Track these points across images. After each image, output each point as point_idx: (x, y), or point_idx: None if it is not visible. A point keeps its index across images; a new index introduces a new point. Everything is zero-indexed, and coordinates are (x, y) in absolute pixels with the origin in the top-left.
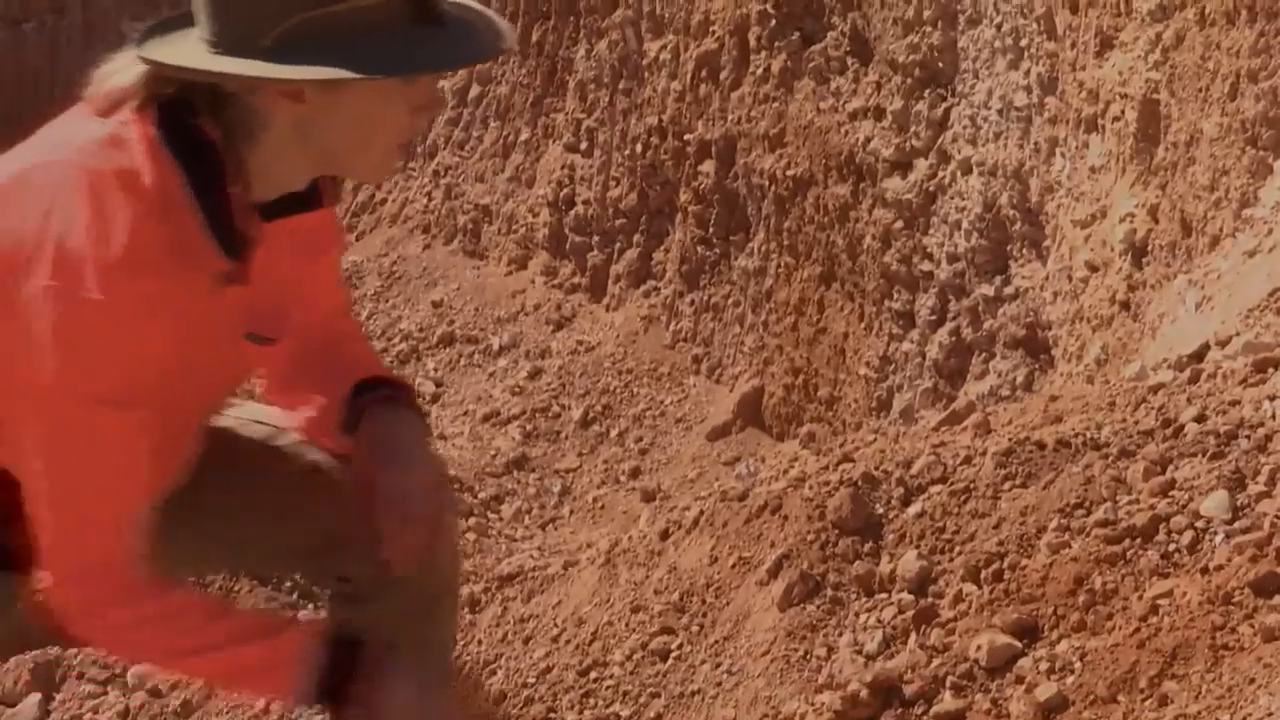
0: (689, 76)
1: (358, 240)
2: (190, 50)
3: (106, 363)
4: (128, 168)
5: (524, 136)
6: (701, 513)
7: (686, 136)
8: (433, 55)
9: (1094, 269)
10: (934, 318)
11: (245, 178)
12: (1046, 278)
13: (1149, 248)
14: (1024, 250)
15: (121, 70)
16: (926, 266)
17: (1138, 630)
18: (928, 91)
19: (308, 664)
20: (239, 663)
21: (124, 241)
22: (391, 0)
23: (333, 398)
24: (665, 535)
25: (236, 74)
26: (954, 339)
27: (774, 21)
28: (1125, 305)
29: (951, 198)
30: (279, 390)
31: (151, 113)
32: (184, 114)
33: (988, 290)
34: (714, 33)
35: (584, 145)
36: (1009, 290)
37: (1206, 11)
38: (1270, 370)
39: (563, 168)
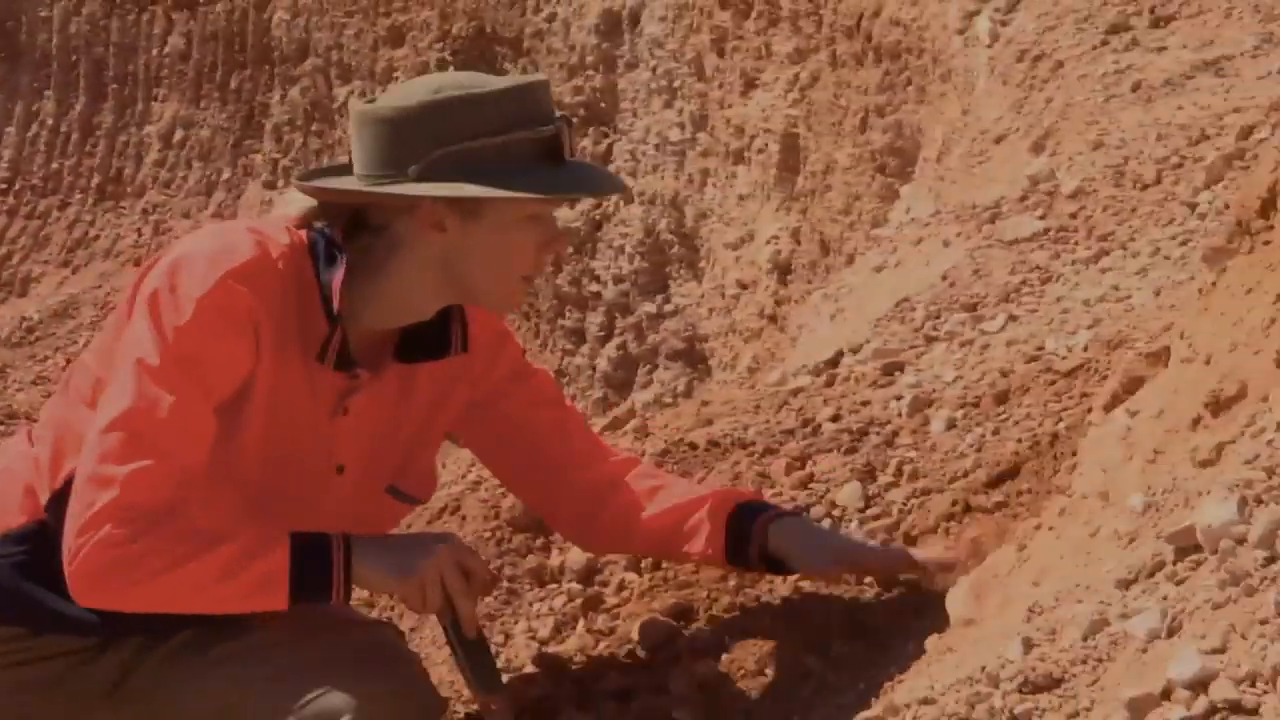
0: None
1: (74, 274)
2: (345, 182)
3: (190, 332)
4: (263, 229)
5: (225, 176)
6: None
7: None
8: (565, 183)
9: (744, 286)
10: (602, 334)
11: (373, 299)
12: (702, 295)
13: (792, 266)
14: (682, 271)
15: (284, 205)
16: (595, 288)
17: (782, 610)
18: (592, 129)
19: (286, 574)
20: (231, 591)
21: (242, 258)
22: (525, 140)
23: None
24: None
25: (388, 193)
26: (621, 353)
27: (451, 68)
28: (773, 318)
29: (616, 225)
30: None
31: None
32: (329, 232)
33: (650, 308)
34: (397, 78)
35: (281, 183)
36: (669, 308)
37: (838, 54)
38: (896, 373)
39: (262, 204)
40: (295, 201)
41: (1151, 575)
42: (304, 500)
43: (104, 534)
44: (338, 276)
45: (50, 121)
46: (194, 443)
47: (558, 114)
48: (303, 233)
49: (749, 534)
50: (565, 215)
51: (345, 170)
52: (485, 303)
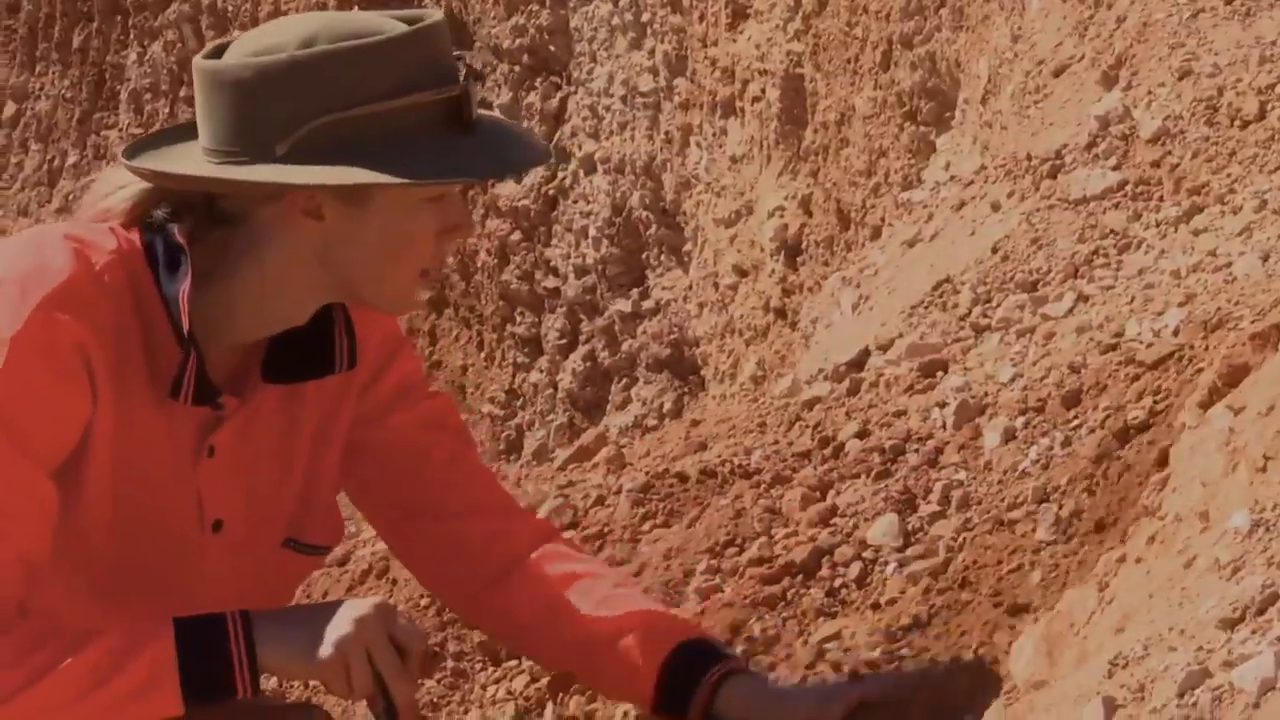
0: None
1: None
2: (194, 161)
3: (6, 383)
4: (81, 234)
5: (72, 159)
6: None
7: None
8: (473, 163)
9: (743, 273)
10: (564, 342)
11: (234, 307)
12: (690, 287)
13: (803, 244)
14: (662, 257)
15: (111, 192)
16: (552, 283)
17: (804, 680)
18: (539, 80)
19: (175, 667)
20: (106, 700)
21: (59, 277)
22: (423, 104)
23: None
24: None
25: (255, 181)
26: (589, 365)
27: (356, 6)
28: (781, 312)
29: (575, 201)
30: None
31: (136, 228)
32: (169, 230)
33: (624, 306)
34: None
35: None
36: (648, 304)
37: None
38: (938, 374)
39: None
40: (119, 188)
41: (1262, 612)
42: (175, 572)
43: None
44: (184, 288)
45: None
46: (32, 522)
47: (461, 64)
48: (133, 232)
49: (692, 685)
50: (509, 191)
51: (188, 134)
52: (374, 303)
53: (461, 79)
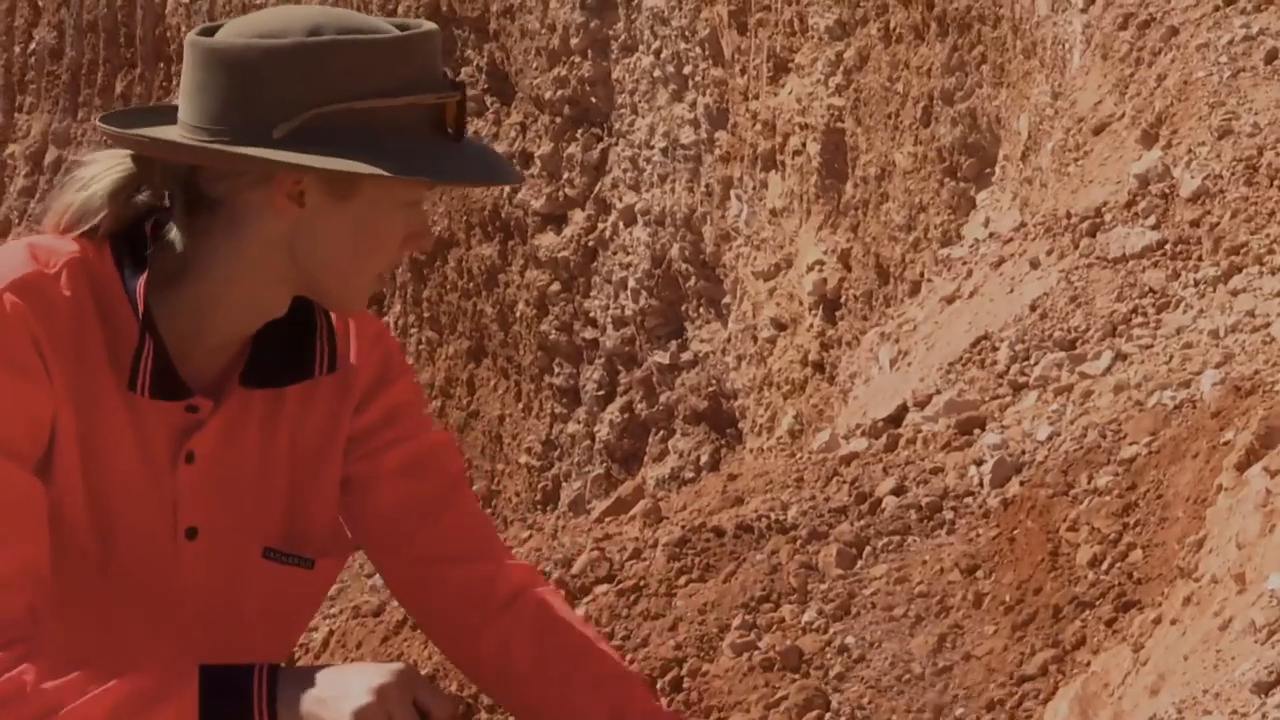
0: None
1: None
2: (176, 136)
3: None
4: (46, 244)
5: None
6: (331, 632)
7: None
8: (466, 167)
9: (781, 326)
10: (602, 393)
11: (215, 301)
12: (728, 340)
13: (842, 298)
14: (701, 309)
15: (85, 186)
16: (590, 334)
17: None
18: (580, 131)
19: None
20: None
21: (15, 273)
22: (420, 106)
23: None
24: (291, 661)
25: (260, 159)
26: (626, 416)
27: None
28: (819, 366)
29: (614, 253)
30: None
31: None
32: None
33: (662, 358)
34: None
35: None
36: (686, 356)
37: (891, 26)
38: (976, 431)
39: None
40: (92, 180)
41: None
42: (149, 578)
43: None
44: (140, 280)
45: None
46: (28, 527)
47: (451, 75)
48: (103, 245)
49: None
50: (549, 242)
51: (156, 118)
52: (330, 298)
53: (459, 86)
